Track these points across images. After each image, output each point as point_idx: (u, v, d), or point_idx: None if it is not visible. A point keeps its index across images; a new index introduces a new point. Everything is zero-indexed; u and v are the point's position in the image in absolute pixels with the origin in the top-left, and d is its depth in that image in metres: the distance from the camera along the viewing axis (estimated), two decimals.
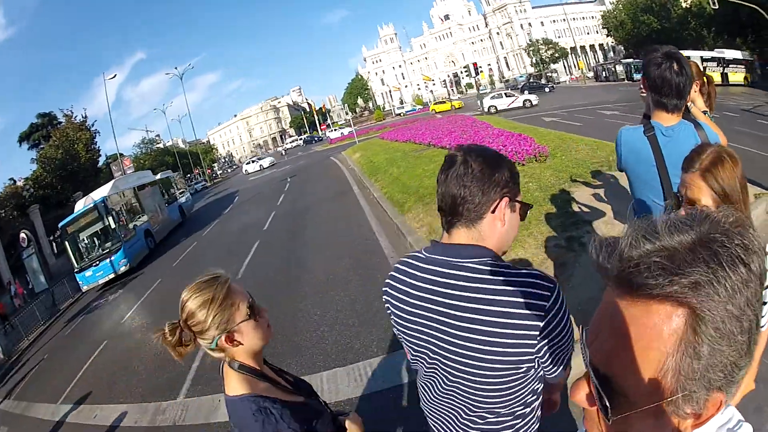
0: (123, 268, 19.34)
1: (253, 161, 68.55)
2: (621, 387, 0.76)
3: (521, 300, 1.52)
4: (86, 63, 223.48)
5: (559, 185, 9.94)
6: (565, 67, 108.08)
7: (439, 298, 1.66)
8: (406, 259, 1.86)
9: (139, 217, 24.07)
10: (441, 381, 1.78)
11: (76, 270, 19.70)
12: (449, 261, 1.66)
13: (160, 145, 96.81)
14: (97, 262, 19.00)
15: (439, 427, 1.92)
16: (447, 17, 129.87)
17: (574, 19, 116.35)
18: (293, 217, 18.76)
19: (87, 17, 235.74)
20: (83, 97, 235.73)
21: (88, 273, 19.01)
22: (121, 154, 60.12)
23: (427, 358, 1.79)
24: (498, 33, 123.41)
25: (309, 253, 12.77)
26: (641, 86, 3.04)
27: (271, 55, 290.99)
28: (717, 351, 0.70)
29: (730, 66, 43.58)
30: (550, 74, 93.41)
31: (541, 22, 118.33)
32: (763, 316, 0.76)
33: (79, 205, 22.45)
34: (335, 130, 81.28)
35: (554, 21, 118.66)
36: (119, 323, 13.69)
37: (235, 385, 1.79)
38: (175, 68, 77.66)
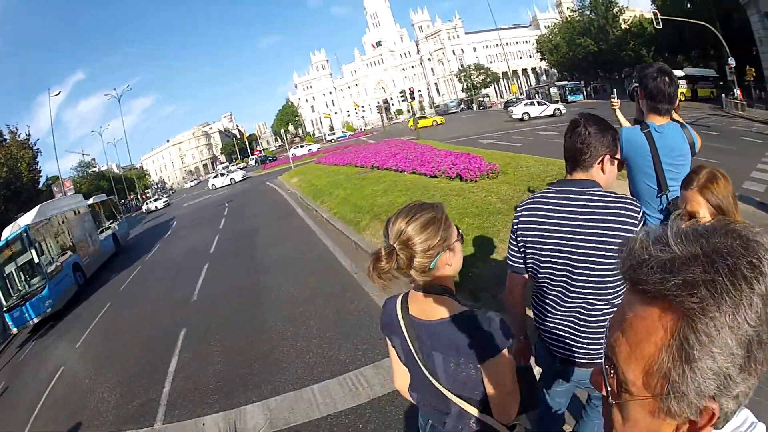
0: (49, 310, 16.26)
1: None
2: (622, 375, 0.83)
3: (623, 213, 2.21)
4: (23, 80, 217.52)
5: (518, 197, 10.36)
6: (496, 92, 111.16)
7: (572, 215, 2.30)
8: (537, 198, 2.49)
9: (67, 249, 20.54)
10: (566, 290, 2.39)
11: (4, 309, 16.57)
12: (576, 190, 2.35)
13: (96, 169, 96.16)
14: (23, 301, 16.18)
15: (560, 333, 2.50)
16: (379, 44, 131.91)
17: (507, 44, 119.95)
18: (240, 239, 18.53)
19: (24, 34, 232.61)
20: (20, 116, 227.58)
21: (15, 313, 16.05)
22: (59, 177, 57.77)
23: (554, 271, 2.39)
24: (429, 59, 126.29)
25: (266, 274, 12.39)
26: (635, 97, 3.77)
27: (204, 81, 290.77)
28: (708, 357, 0.72)
29: (699, 83, 47.19)
30: (481, 99, 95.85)
31: (474, 48, 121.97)
32: None
33: (6, 232, 19.30)
34: (269, 158, 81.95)
35: (487, 46, 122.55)
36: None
37: (442, 308, 1.90)
38: (114, 89, 75.50)
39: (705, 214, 2.39)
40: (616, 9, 70.42)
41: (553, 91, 67.74)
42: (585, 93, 66.32)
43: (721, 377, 0.73)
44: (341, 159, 30.84)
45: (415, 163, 17.81)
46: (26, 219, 18.96)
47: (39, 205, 20.99)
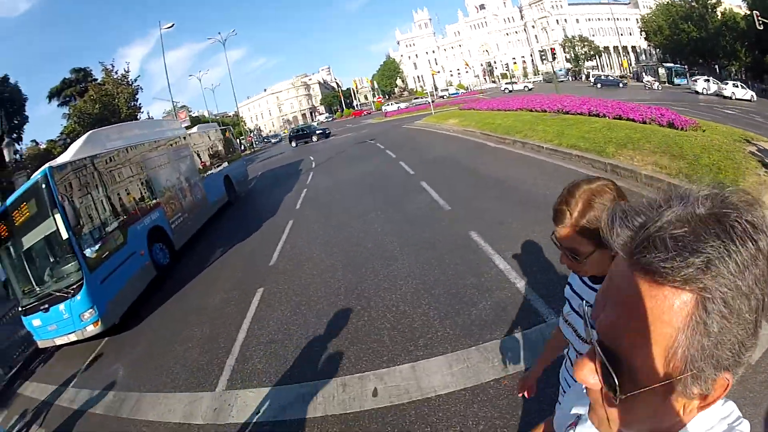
0: (90, 327, 9.50)
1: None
2: (629, 363, 0.76)
3: None
4: (111, 32, 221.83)
5: (731, 144, 11.41)
6: (597, 66, 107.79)
7: None
8: None
9: (138, 206, 12.68)
10: None
11: (20, 310, 10.21)
12: None
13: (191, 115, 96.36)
14: (46, 306, 9.65)
15: None
16: (482, 7, 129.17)
17: (608, 19, 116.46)
18: (460, 167, 17.63)
19: None
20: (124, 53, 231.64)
21: (35, 321, 9.78)
22: (181, 104, 57.00)
23: None
24: (533, 26, 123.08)
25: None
26: None
27: (298, 36, 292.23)
28: (726, 328, 0.70)
29: None
30: (588, 71, 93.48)
31: (576, 20, 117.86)
32: None
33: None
34: (391, 104, 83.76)
35: (589, 19, 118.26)
36: None
37: None
38: (219, 33, 75.82)
39: (588, 247, 1.82)
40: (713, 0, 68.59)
41: (661, 71, 67.43)
42: (688, 78, 64.01)
43: (736, 346, 0.72)
44: (497, 105, 30.78)
45: (613, 110, 17.70)
46: (60, 159, 11.34)
47: (87, 134, 12.69)
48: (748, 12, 55.70)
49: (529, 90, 68.15)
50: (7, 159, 21.80)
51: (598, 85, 63.28)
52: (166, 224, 13.53)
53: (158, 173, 14.41)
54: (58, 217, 9.47)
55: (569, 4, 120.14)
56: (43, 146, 44.41)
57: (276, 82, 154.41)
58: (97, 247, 10.25)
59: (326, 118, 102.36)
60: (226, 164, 21.61)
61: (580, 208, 1.76)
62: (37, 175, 9.99)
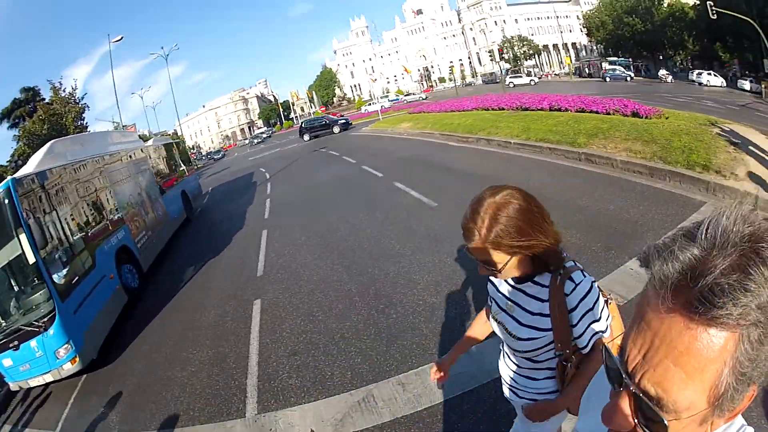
0: (67, 365, 8.03)
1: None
2: (672, 404, 0.76)
3: None
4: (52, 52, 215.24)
5: (699, 128, 11.65)
6: (537, 65, 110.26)
7: None
8: None
9: (101, 224, 10.96)
10: None
11: None
12: None
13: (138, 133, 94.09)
14: (15, 344, 8.02)
15: None
16: (420, 11, 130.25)
17: (548, 17, 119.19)
18: (426, 165, 17.90)
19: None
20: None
21: (5, 361, 8.06)
22: (123, 123, 55.44)
23: None
24: (471, 29, 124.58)
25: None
26: None
27: (235, 49, 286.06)
28: (762, 355, 0.72)
29: None
30: (529, 70, 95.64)
31: (515, 20, 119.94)
32: None
33: None
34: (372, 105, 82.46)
35: (528, 19, 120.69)
36: None
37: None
38: (161, 48, 73.85)
39: (503, 257, 1.86)
40: None
41: (605, 65, 70.62)
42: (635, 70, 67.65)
43: (763, 363, 0.73)
44: (450, 107, 30.82)
45: (575, 104, 18.04)
46: (21, 171, 9.71)
47: (48, 144, 11.00)
48: (698, 2, 59.55)
49: (535, 84, 68.62)
50: None
51: (607, 79, 64.67)
52: (132, 244, 12.01)
53: (122, 187, 12.94)
54: (23, 237, 7.87)
55: (508, 5, 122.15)
56: None
57: (214, 98, 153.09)
58: (66, 271, 8.61)
59: (264, 132, 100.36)
60: (182, 179, 20.23)
61: (487, 224, 1.79)
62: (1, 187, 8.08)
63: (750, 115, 16.58)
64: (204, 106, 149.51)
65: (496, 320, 2.24)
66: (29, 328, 7.92)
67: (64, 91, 43.09)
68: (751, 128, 11.93)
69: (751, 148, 9.69)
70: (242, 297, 9.36)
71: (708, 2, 42.04)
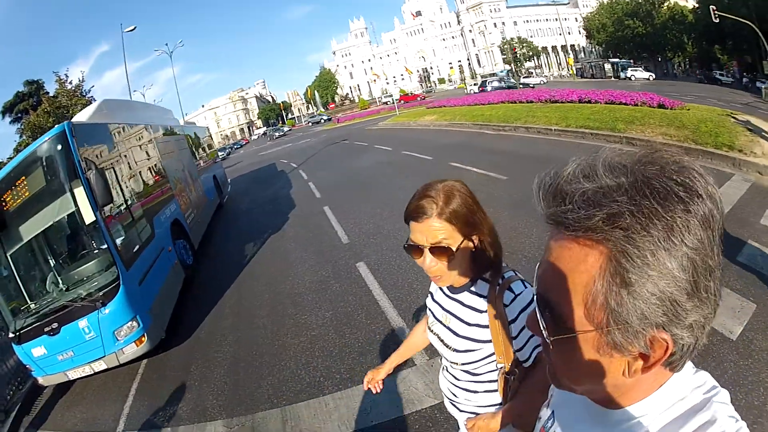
0: (131, 347, 6.70)
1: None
2: (557, 310, 0.81)
3: None
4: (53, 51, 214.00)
5: (720, 118, 13.71)
6: (535, 66, 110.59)
7: None
8: None
9: (160, 193, 10.25)
10: None
11: (11, 337, 6.67)
12: None
13: None
14: (54, 327, 6.40)
15: None
16: (419, 13, 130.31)
17: (547, 20, 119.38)
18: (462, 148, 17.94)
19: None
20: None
21: (37, 350, 6.49)
22: None
23: None
24: (470, 31, 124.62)
25: None
26: None
27: (234, 50, 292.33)
28: (646, 280, 0.71)
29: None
30: (530, 71, 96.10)
31: (514, 22, 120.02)
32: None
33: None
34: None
35: (527, 21, 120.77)
36: None
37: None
38: (166, 45, 73.09)
39: (454, 236, 1.78)
40: None
41: (607, 66, 70.50)
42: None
43: (667, 303, 0.72)
44: (472, 101, 31.76)
45: (604, 97, 19.23)
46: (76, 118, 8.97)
47: (99, 101, 10.25)
48: (696, 5, 61.44)
49: (544, 83, 69.01)
50: None
51: (632, 78, 64.44)
52: (182, 218, 11.11)
53: (170, 161, 11.98)
54: (79, 191, 6.43)
55: (507, 7, 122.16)
56: None
57: (212, 99, 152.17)
58: (128, 237, 7.37)
59: (282, 127, 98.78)
60: (213, 164, 19.98)
61: (443, 199, 1.75)
62: (49, 134, 6.72)
63: (753, 112, 17.98)
64: (203, 106, 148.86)
65: (431, 331, 2.18)
66: (80, 304, 6.40)
67: (70, 83, 41.64)
68: (761, 119, 14.33)
69: (764, 134, 11.86)
70: (338, 262, 9.11)
71: (710, 6, 42.81)
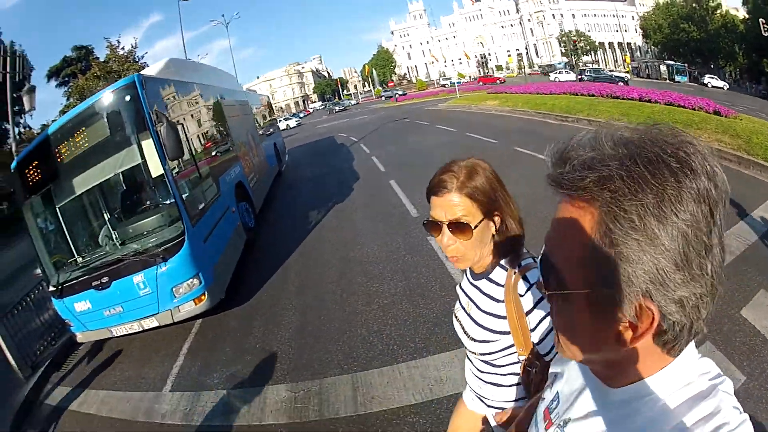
0: (189, 305, 6.65)
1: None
2: (558, 270, 0.85)
3: None
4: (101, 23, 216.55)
5: None
6: (592, 61, 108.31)
7: None
8: None
9: (225, 154, 10.53)
10: None
11: (52, 290, 6.69)
12: None
13: None
14: (103, 281, 6.37)
15: None
16: None
17: (604, 15, 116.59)
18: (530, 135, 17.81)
19: None
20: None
21: (80, 304, 6.51)
22: None
23: None
24: (529, 20, 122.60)
25: None
26: None
27: (288, 25, 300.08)
28: (633, 244, 0.73)
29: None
30: (584, 66, 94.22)
31: (573, 15, 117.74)
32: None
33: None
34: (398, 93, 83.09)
35: (585, 15, 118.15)
36: None
37: None
38: (222, 16, 73.39)
39: (475, 213, 1.72)
40: (714, 2, 72.12)
41: (663, 68, 69.14)
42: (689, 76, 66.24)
43: (653, 270, 0.73)
44: (533, 89, 31.58)
45: (663, 97, 19.58)
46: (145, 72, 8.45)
47: (166, 59, 9.41)
48: (747, 16, 60.91)
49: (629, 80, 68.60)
50: (27, 108, 19.85)
51: (709, 86, 62.54)
52: (246, 181, 11.24)
53: (234, 124, 12.05)
54: (148, 143, 6.33)
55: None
56: (36, 131, 41.12)
57: (267, 71, 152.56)
58: (195, 194, 7.34)
59: (334, 104, 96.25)
60: (274, 132, 20.43)
61: (465, 174, 1.72)
62: (117, 84, 6.58)
63: None
64: (258, 77, 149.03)
65: (456, 318, 2.11)
66: (139, 258, 6.30)
67: (122, 49, 40.37)
68: None
69: None
70: (410, 234, 9.19)
71: (760, 19, 42.58)
